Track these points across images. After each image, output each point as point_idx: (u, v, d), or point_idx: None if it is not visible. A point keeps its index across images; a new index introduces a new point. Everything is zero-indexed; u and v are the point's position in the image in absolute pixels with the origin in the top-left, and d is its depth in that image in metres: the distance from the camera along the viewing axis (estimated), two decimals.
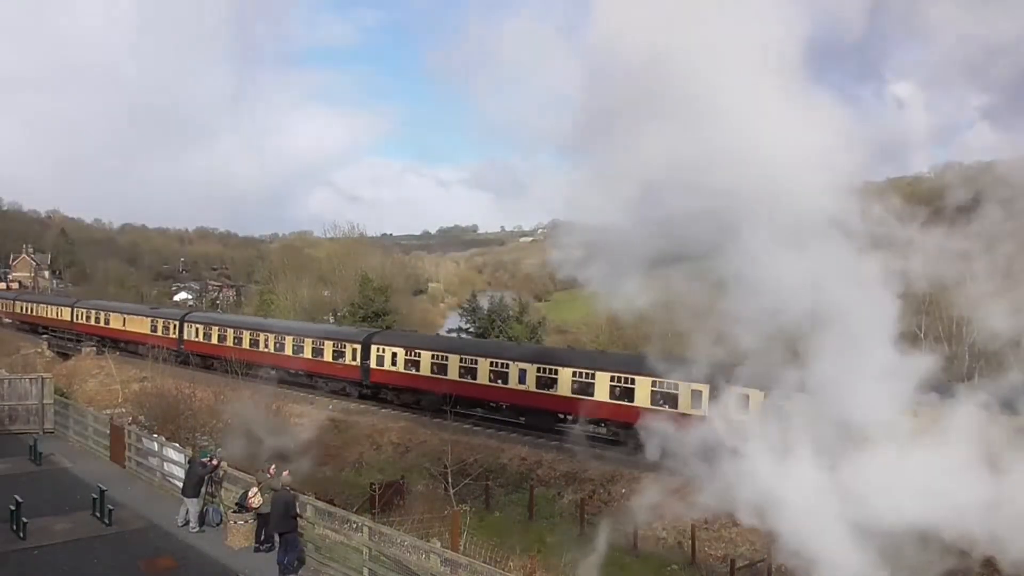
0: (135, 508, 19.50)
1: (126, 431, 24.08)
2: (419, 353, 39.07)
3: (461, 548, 19.42)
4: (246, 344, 48.74)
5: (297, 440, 30.72)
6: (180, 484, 19.97)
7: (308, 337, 45.77)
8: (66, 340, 65.61)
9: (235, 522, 17.05)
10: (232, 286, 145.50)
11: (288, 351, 46.12)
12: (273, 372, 43.35)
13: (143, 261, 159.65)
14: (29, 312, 76.61)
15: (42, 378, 29.39)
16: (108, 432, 24.93)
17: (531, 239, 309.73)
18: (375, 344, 41.38)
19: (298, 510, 15.92)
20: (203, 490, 18.51)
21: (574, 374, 32.16)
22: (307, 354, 44.94)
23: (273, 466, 19.02)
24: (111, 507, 18.42)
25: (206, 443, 29.44)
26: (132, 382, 45.24)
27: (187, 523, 18.23)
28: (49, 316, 71.36)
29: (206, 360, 49.75)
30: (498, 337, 52.83)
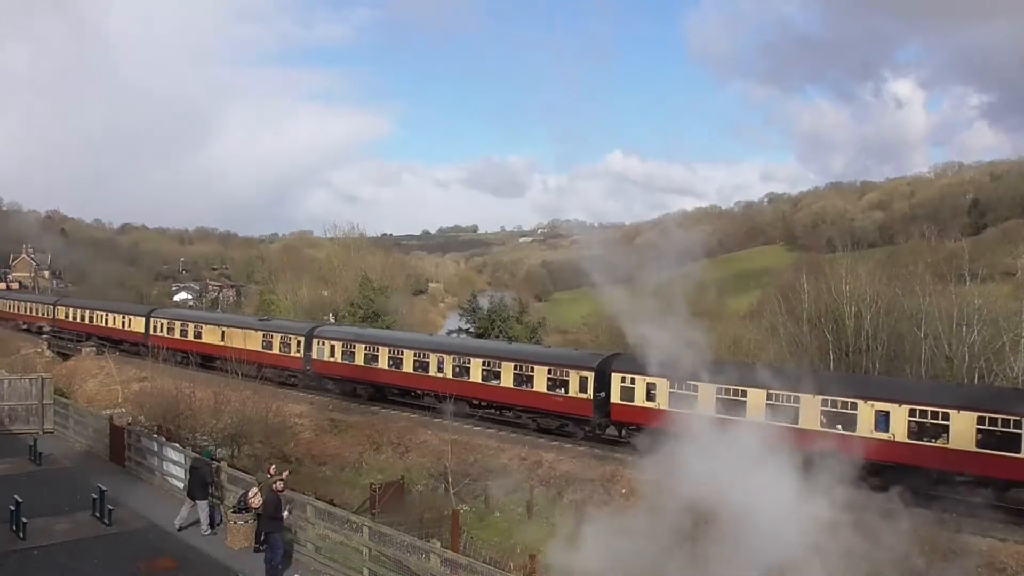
0: (135, 508, 19.52)
1: (126, 431, 24.10)
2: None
3: (461, 548, 19.41)
4: (409, 367, 38.63)
5: None
6: (180, 484, 20.00)
7: (516, 361, 35.10)
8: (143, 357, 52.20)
9: (235, 522, 17.07)
10: (232, 286, 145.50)
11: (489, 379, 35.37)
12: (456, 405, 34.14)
13: (143, 261, 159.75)
14: (85, 320, 65.07)
15: (42, 378, 29.43)
16: (108, 432, 24.94)
17: (531, 239, 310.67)
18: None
19: (284, 511, 15.94)
20: (211, 491, 18.59)
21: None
22: (506, 382, 34.79)
23: (273, 466, 19.07)
24: (111, 507, 18.43)
25: (206, 443, 29.47)
26: (132, 382, 45.21)
27: (188, 526, 18.18)
28: (117, 326, 60.43)
29: (345, 385, 41.96)
30: (498, 337, 52.77)
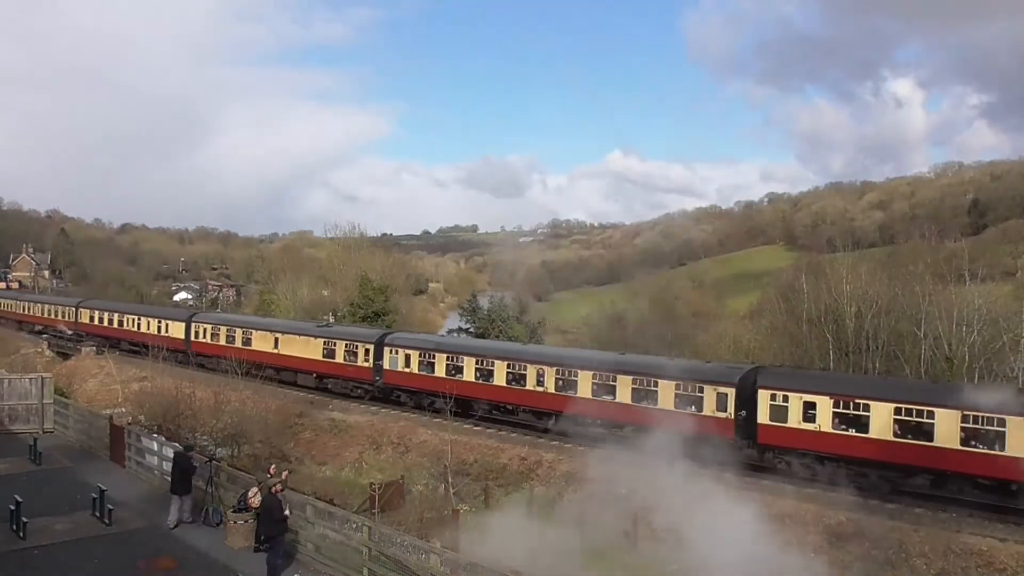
0: (135, 508, 19.52)
1: (126, 431, 24.09)
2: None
3: (461, 548, 19.41)
4: (502, 379, 34.77)
5: None
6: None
7: (636, 375, 31.06)
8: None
9: (235, 522, 17.06)
10: (232, 286, 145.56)
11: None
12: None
13: (143, 261, 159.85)
14: (113, 324, 59.83)
15: (42, 378, 29.43)
16: (108, 432, 24.94)
17: (531, 239, 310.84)
18: None
19: (286, 512, 15.92)
20: (195, 484, 18.60)
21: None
22: (622, 397, 30.97)
23: (273, 466, 19.06)
24: (111, 507, 18.43)
25: (205, 442, 29.51)
26: (132, 382, 45.19)
27: (177, 525, 18.19)
28: (152, 332, 54.61)
29: (422, 398, 37.33)
30: (498, 337, 52.79)
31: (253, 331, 47.73)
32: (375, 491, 26.39)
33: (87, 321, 63.21)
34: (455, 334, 60.48)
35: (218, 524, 18.17)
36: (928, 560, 20.98)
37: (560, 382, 33.13)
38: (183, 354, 49.58)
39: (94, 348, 56.06)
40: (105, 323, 60.83)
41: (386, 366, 39.28)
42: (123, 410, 33.72)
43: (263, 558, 15.65)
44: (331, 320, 66.64)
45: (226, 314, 65.32)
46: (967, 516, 23.25)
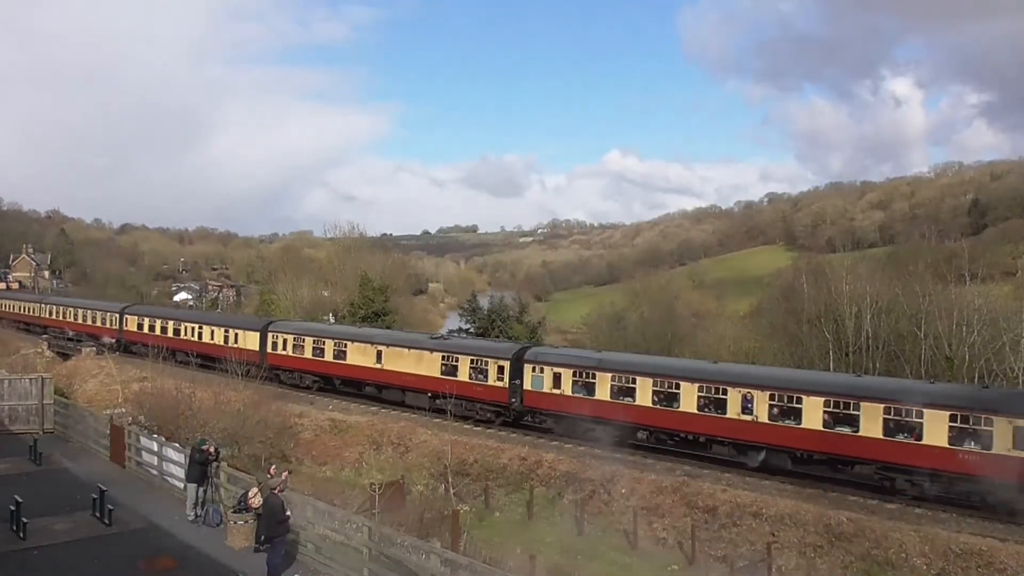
0: (135, 508, 19.53)
1: (126, 431, 24.10)
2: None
3: (461, 548, 19.41)
4: (691, 405, 29.53)
5: None
6: (180, 484, 20.04)
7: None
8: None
9: (235, 522, 17.07)
10: (232, 286, 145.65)
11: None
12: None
13: (143, 261, 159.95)
14: (168, 333, 52.92)
15: (42, 378, 29.45)
16: (108, 432, 24.96)
17: (531, 239, 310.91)
18: None
19: (287, 513, 15.94)
20: (207, 478, 18.89)
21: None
22: (871, 431, 25.43)
23: (274, 466, 19.07)
24: (111, 507, 18.44)
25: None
26: (132, 382, 45.05)
27: (196, 517, 18.60)
28: (217, 342, 49.35)
29: (577, 424, 31.72)
30: (498, 337, 52.77)
31: (348, 343, 41.53)
32: (375, 491, 26.35)
33: (134, 329, 56.27)
34: (455, 334, 60.40)
35: (218, 524, 18.20)
36: (928, 560, 20.99)
37: (775, 410, 27.45)
38: (256, 368, 42.08)
39: (94, 348, 55.98)
40: (158, 331, 53.43)
41: (527, 386, 33.86)
42: (123, 410, 33.68)
43: (263, 558, 15.66)
44: (331, 320, 66.69)
45: (311, 323, 56.31)
46: (967, 516, 23.28)
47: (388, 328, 53.92)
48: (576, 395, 32.35)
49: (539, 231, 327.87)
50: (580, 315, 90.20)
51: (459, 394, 34.26)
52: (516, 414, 34.67)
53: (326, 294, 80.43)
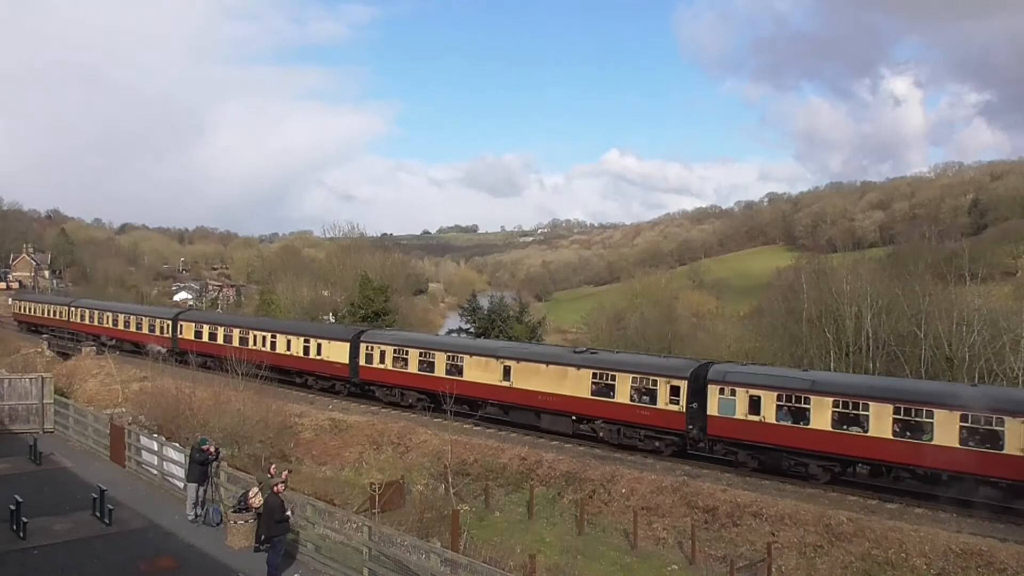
0: (135, 508, 19.52)
1: (126, 431, 24.10)
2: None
3: (461, 548, 19.40)
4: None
5: None
6: (180, 484, 20.05)
7: None
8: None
9: (235, 522, 17.07)
10: (232, 286, 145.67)
11: None
12: None
13: (143, 261, 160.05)
14: (233, 342, 46.80)
15: (42, 378, 29.41)
16: (108, 432, 24.96)
17: (531, 239, 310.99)
18: None
19: (287, 513, 15.94)
20: (207, 477, 18.86)
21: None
22: None
23: (274, 466, 19.07)
24: (111, 507, 18.43)
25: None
26: (132, 382, 45.09)
27: (197, 517, 18.55)
28: (296, 353, 44.39)
29: (781, 457, 27.49)
30: (498, 337, 52.78)
31: (465, 356, 36.63)
32: (375, 491, 26.35)
33: (190, 337, 50.83)
34: (455, 334, 60.41)
35: (218, 524, 18.20)
36: (928, 560, 20.99)
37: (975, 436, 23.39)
38: (344, 383, 41.59)
39: (94, 348, 55.97)
40: (220, 340, 48.07)
41: (712, 411, 28.81)
42: (123, 410, 33.72)
43: (263, 558, 15.66)
44: (331, 320, 66.67)
45: (416, 333, 50.45)
46: (967, 516, 23.26)
47: (389, 327, 53.66)
48: (783, 423, 27.24)
49: (539, 231, 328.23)
50: (580, 315, 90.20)
51: (615, 418, 31.09)
52: (694, 441, 29.95)
53: (326, 294, 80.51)
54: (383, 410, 38.51)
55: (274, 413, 33.42)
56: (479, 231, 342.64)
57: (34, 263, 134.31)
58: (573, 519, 26.57)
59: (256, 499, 16.70)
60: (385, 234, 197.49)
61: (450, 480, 28.66)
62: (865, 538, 22.10)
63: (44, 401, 28.61)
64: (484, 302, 64.31)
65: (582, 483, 27.91)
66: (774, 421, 27.36)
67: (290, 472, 19.92)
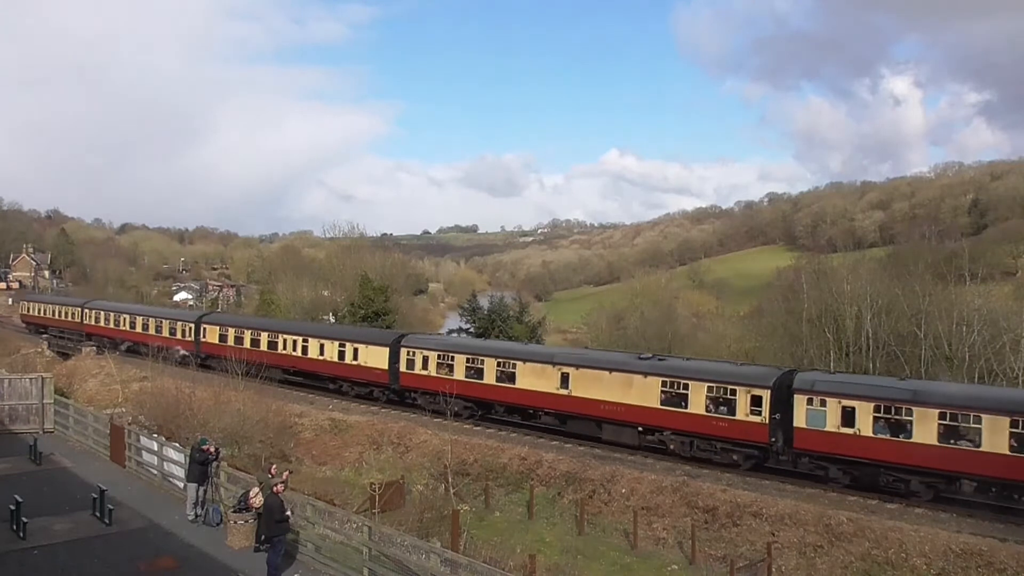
0: (135, 508, 19.52)
1: (126, 431, 24.10)
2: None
3: (461, 548, 19.41)
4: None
5: None
6: (180, 484, 20.05)
7: None
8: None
9: (235, 522, 17.07)
10: (232, 286, 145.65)
11: None
12: None
13: (143, 261, 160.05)
14: (261, 346, 45.16)
15: (42, 378, 29.41)
16: (108, 432, 24.95)
17: (531, 239, 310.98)
18: None
19: (287, 513, 15.94)
20: (207, 477, 18.85)
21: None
22: None
23: (274, 466, 19.07)
24: (111, 507, 18.43)
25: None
26: (132, 382, 45.10)
27: (196, 517, 18.54)
28: (330, 359, 42.13)
29: (880, 473, 25.56)
30: (498, 337, 52.78)
31: (518, 362, 34.48)
32: (375, 491, 26.36)
33: (215, 340, 48.94)
34: (456, 334, 60.39)
35: (218, 524, 18.20)
36: (928, 560, 20.99)
37: None
38: (383, 389, 39.70)
39: (94, 348, 55.97)
40: (247, 344, 45.80)
41: (799, 423, 26.75)
42: (123, 410, 33.71)
43: (263, 558, 15.66)
44: (331, 320, 66.67)
45: (463, 337, 48.18)
46: (967, 516, 23.26)
47: (389, 327, 53.66)
48: (880, 436, 25.29)
49: (539, 231, 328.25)
50: (580, 315, 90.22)
51: (687, 429, 29.35)
52: (777, 455, 27.99)
53: (326, 294, 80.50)
54: (383, 410, 38.48)
55: (274, 413, 33.42)
56: (479, 231, 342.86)
57: (34, 263, 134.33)
58: (573, 519, 26.57)
59: (256, 499, 16.70)
60: (385, 234, 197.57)
61: (450, 480, 28.66)
62: (865, 538, 22.11)
63: (44, 401, 28.61)
64: (484, 302, 64.32)
65: (582, 483, 27.91)
66: (871, 434, 25.33)
67: (290, 472, 19.94)
